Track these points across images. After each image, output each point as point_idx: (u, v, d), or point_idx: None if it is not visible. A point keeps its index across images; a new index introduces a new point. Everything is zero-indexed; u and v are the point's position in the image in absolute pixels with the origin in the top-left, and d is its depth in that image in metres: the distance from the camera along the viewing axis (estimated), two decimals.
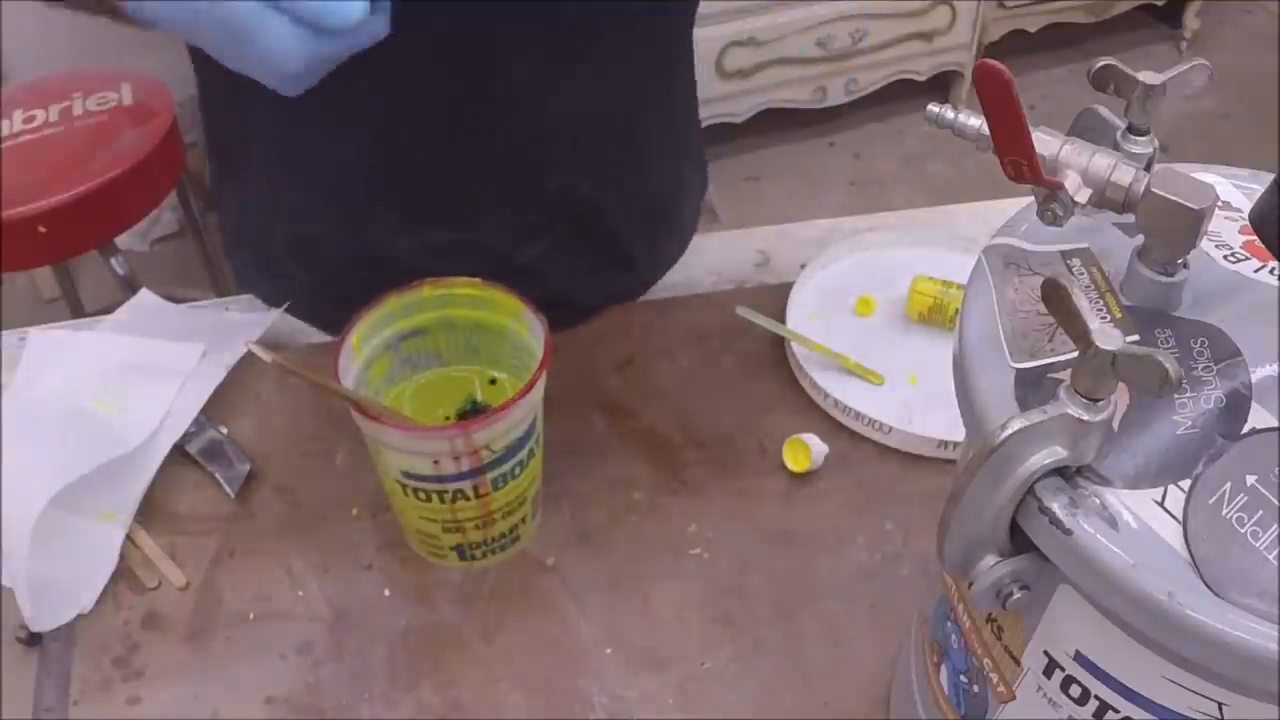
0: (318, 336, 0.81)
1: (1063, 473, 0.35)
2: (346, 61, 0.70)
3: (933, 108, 0.42)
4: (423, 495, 0.63)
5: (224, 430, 0.74)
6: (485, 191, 0.75)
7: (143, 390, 0.73)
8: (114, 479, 0.69)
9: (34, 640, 0.64)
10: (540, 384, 0.61)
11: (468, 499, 0.63)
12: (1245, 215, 0.41)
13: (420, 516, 0.65)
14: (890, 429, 0.73)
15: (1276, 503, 0.32)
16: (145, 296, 0.82)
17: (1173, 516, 0.33)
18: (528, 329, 0.65)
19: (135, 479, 0.70)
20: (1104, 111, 0.41)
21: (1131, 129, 0.41)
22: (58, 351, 0.76)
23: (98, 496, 0.68)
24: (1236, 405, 0.35)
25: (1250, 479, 0.33)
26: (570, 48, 0.71)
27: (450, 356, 0.70)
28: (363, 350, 0.65)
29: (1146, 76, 0.40)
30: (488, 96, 0.71)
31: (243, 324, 0.79)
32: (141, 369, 0.74)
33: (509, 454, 0.62)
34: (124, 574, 0.67)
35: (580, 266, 0.80)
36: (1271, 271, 0.39)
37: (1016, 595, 0.37)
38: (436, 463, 0.60)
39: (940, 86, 2.61)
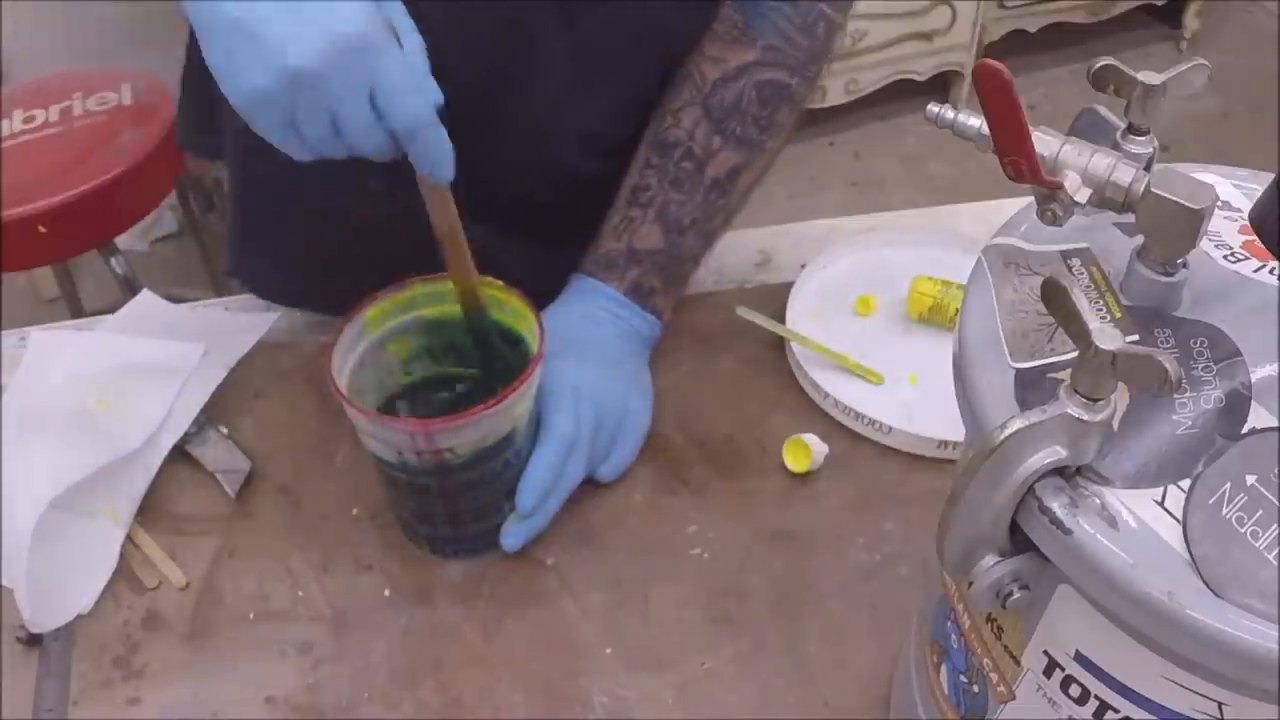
0: (323, 335, 0.81)
1: (1063, 472, 0.35)
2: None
3: (933, 107, 0.42)
4: (391, 480, 0.63)
5: (224, 430, 0.74)
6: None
7: (144, 390, 0.73)
8: (114, 479, 0.69)
9: (34, 640, 0.64)
10: (519, 398, 0.60)
11: (431, 493, 0.63)
12: (1245, 215, 0.41)
13: (394, 499, 0.66)
14: (890, 429, 0.73)
15: (1276, 503, 0.32)
16: (146, 297, 0.82)
17: (1173, 516, 0.33)
18: (534, 343, 0.64)
19: (135, 479, 0.70)
20: (1104, 111, 0.41)
21: (1131, 129, 0.41)
22: (59, 351, 0.76)
23: (98, 496, 0.68)
24: (1236, 405, 0.35)
25: (1250, 479, 0.33)
26: (596, 77, 0.73)
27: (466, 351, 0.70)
28: (378, 327, 0.65)
29: (1146, 76, 0.40)
30: (508, 88, 0.72)
31: (243, 324, 0.79)
32: (142, 369, 0.74)
33: (477, 461, 0.61)
34: (124, 574, 0.67)
35: (521, 250, 0.78)
36: (1271, 271, 0.39)
37: (1016, 595, 0.37)
38: (400, 453, 0.60)
39: (940, 86, 2.61)
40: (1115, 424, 0.35)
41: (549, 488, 0.65)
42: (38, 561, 0.64)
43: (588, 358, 0.70)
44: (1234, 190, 0.43)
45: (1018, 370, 0.38)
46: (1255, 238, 0.38)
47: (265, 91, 0.53)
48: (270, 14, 0.52)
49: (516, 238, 0.78)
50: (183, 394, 0.73)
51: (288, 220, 0.78)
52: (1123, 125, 0.41)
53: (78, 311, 1.72)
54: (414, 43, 0.56)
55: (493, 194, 0.79)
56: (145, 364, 0.75)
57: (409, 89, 0.54)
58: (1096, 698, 0.38)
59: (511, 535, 0.66)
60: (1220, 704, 0.34)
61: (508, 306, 0.66)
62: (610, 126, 0.78)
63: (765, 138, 0.74)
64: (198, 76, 0.77)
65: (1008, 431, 0.33)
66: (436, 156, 0.57)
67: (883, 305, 0.84)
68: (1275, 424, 0.34)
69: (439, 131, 0.56)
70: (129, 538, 0.69)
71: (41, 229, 1.43)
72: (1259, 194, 0.37)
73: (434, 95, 0.56)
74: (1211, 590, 0.32)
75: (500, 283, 0.66)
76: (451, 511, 0.65)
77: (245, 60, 0.53)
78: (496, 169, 0.78)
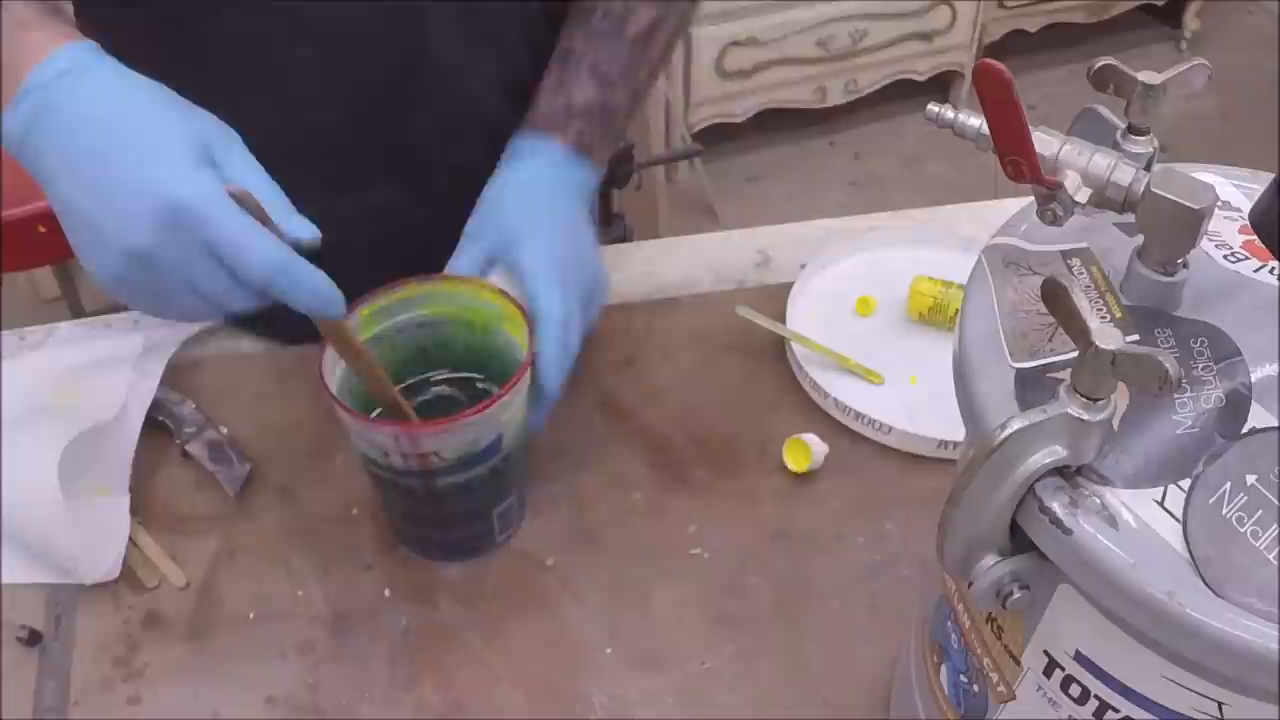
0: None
1: (1063, 472, 0.35)
2: (285, 30, 0.71)
3: (933, 107, 0.42)
4: (380, 481, 0.63)
5: (224, 430, 0.74)
6: (391, 159, 0.77)
7: (97, 376, 0.74)
8: (98, 454, 0.69)
9: (34, 640, 0.64)
10: (506, 404, 0.60)
11: (418, 496, 0.63)
12: (1245, 215, 0.41)
13: (385, 501, 0.66)
14: (890, 429, 0.73)
15: (1276, 503, 0.32)
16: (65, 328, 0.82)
17: (1173, 516, 0.33)
18: (524, 346, 0.63)
19: (118, 449, 0.70)
20: (1104, 111, 0.41)
21: (1131, 129, 0.41)
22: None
23: (88, 475, 0.68)
24: (1236, 405, 0.35)
25: (1250, 479, 0.33)
26: (488, 29, 0.76)
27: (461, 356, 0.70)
28: (372, 326, 0.65)
29: (1146, 76, 0.40)
30: (415, 68, 0.73)
31: (162, 340, 0.79)
32: (89, 365, 0.75)
33: (463, 466, 0.61)
34: (124, 574, 0.67)
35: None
36: (1271, 271, 0.39)
37: (1016, 595, 0.37)
38: (386, 454, 0.60)
39: (940, 86, 2.61)
40: (1115, 424, 0.35)
41: (562, 365, 0.66)
42: (61, 534, 0.64)
43: (557, 230, 0.69)
44: (1234, 190, 0.43)
45: (1018, 370, 0.38)
46: (1255, 238, 0.38)
47: (116, 277, 0.52)
48: (95, 196, 0.51)
49: (454, 210, 0.78)
50: (138, 367, 0.74)
51: None
52: (1123, 125, 0.41)
53: (78, 311, 1.72)
54: (258, 181, 0.53)
55: (439, 175, 0.79)
56: (91, 360, 0.75)
57: (248, 243, 0.51)
58: (1096, 698, 0.38)
59: (537, 415, 0.66)
60: (1220, 704, 0.34)
61: (500, 309, 0.66)
62: (523, 68, 0.78)
63: None
64: None
65: (1008, 431, 0.33)
66: (310, 296, 0.52)
67: (883, 305, 0.84)
68: (1275, 424, 0.34)
69: (301, 270, 0.52)
70: (130, 539, 0.68)
71: (41, 229, 1.42)
72: (1259, 194, 0.38)
73: (299, 231, 0.53)
74: (1211, 590, 0.32)
75: (496, 286, 0.65)
76: (438, 515, 0.64)
77: (91, 247, 0.52)
78: (434, 144, 0.78)
